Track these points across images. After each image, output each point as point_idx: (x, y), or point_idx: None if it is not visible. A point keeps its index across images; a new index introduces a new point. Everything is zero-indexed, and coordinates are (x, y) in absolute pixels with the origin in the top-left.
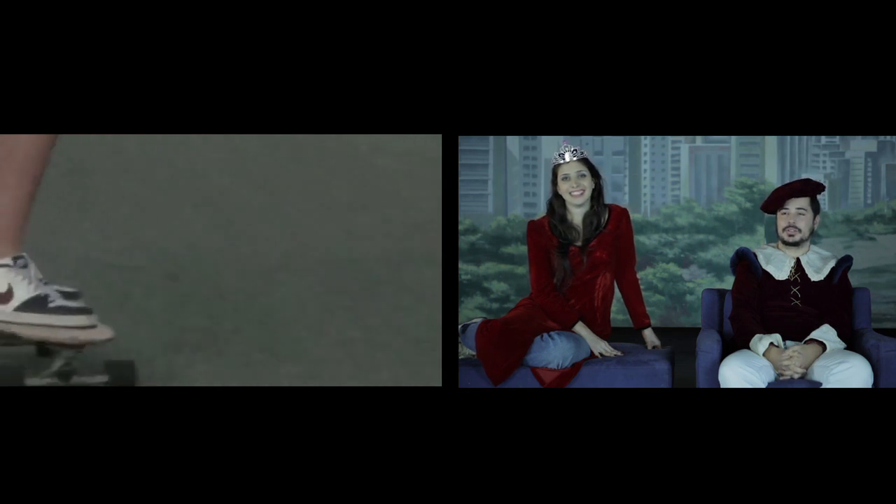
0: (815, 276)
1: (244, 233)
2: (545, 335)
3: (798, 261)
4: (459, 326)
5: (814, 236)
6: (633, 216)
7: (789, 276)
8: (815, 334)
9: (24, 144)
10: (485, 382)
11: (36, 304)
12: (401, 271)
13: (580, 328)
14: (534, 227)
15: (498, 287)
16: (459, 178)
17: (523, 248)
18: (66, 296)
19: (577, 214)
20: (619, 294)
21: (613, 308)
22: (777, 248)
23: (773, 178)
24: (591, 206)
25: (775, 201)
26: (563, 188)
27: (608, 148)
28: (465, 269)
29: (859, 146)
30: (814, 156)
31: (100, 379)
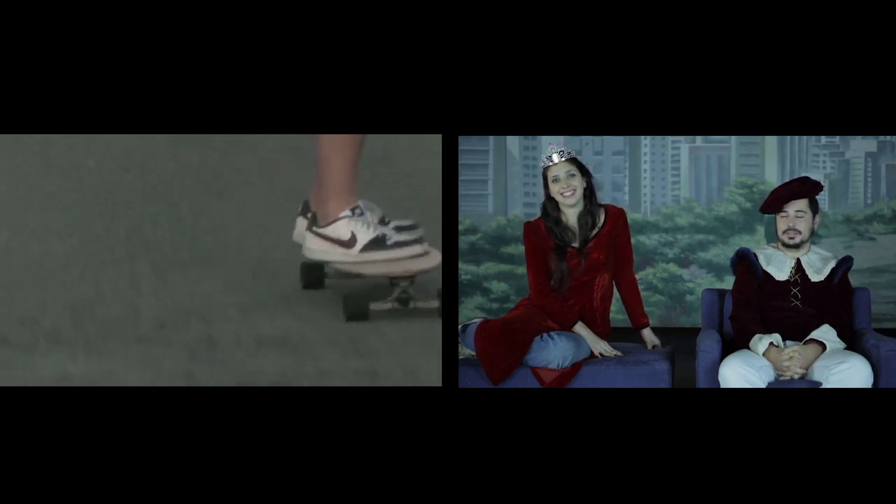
0: (816, 276)
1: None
2: (545, 335)
3: (798, 261)
4: (459, 326)
5: (814, 236)
6: (633, 216)
7: (789, 277)
8: (814, 334)
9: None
10: (485, 382)
11: (375, 244)
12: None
13: (580, 328)
14: (530, 229)
15: (498, 287)
16: (459, 178)
17: (523, 248)
18: (400, 229)
19: (571, 215)
20: (618, 294)
21: (613, 308)
22: (777, 248)
23: (773, 178)
24: (585, 206)
25: (774, 203)
26: (554, 190)
27: (608, 148)
28: (465, 269)
29: (859, 146)
30: (814, 156)
31: (434, 304)
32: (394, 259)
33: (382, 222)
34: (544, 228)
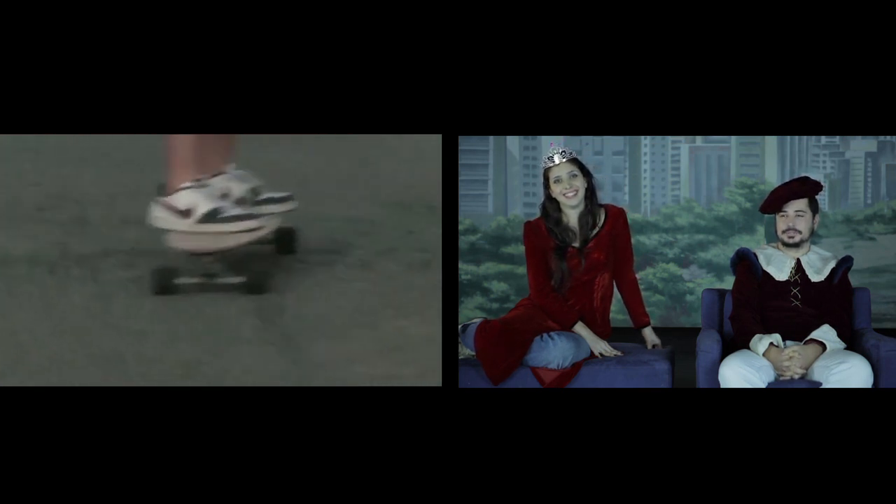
0: (816, 276)
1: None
2: (545, 335)
3: (798, 261)
4: (459, 326)
5: (814, 236)
6: (633, 216)
7: (789, 277)
8: (814, 334)
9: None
10: (485, 382)
11: (211, 216)
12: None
13: (580, 328)
14: (530, 229)
15: (498, 287)
16: (459, 178)
17: (523, 248)
18: (270, 201)
19: (571, 216)
20: (618, 294)
21: (613, 308)
22: (777, 248)
23: (773, 178)
24: (586, 206)
25: (774, 203)
26: (556, 190)
27: (608, 148)
28: (465, 269)
29: (859, 146)
30: (814, 156)
31: (238, 279)
32: (224, 232)
33: (253, 193)
34: (544, 228)
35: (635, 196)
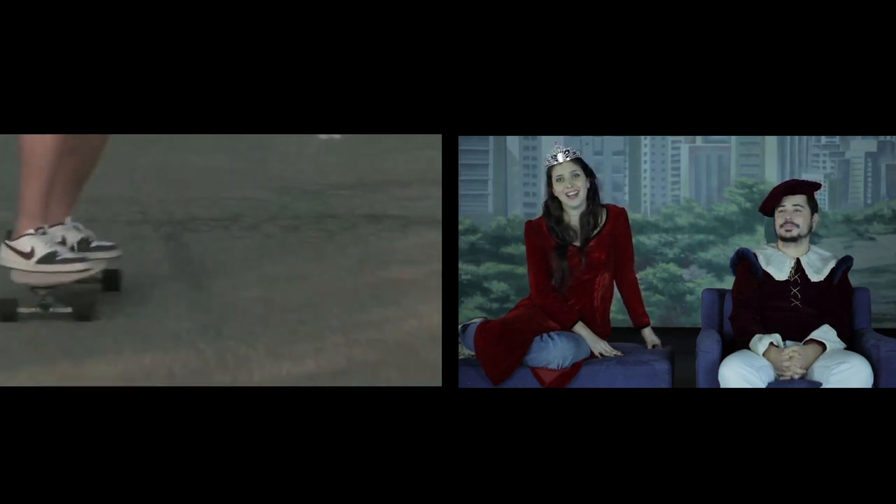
0: (815, 276)
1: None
2: (545, 335)
3: (798, 261)
4: (459, 327)
5: (814, 236)
6: (633, 216)
7: (789, 277)
8: (814, 334)
9: (34, 145)
10: (485, 382)
11: (48, 258)
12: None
13: (580, 328)
14: (531, 228)
15: (498, 287)
16: (459, 178)
17: (523, 248)
18: (98, 248)
19: (573, 215)
20: (618, 294)
21: (613, 308)
22: (777, 248)
23: (773, 178)
24: (587, 206)
25: (772, 199)
26: (558, 189)
27: (608, 148)
28: (465, 269)
29: (859, 146)
30: (814, 156)
31: (67, 309)
32: (58, 272)
33: (84, 242)
34: (545, 227)
35: (635, 196)
